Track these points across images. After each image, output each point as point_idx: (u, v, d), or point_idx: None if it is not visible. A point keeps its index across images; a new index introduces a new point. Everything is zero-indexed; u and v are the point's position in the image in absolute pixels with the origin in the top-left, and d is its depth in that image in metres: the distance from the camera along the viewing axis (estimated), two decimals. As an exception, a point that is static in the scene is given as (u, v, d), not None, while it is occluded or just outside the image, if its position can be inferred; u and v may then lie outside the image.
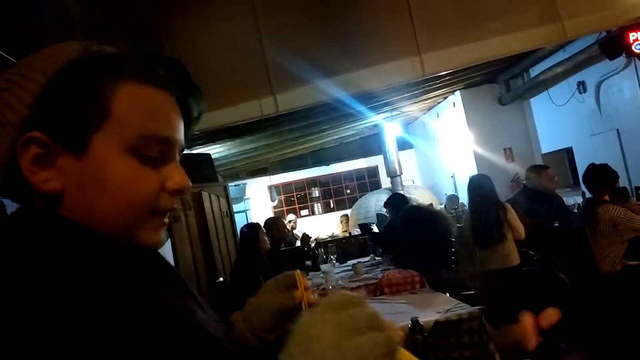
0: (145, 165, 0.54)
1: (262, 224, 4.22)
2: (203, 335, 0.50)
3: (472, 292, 3.33)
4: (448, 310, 2.34)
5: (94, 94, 0.53)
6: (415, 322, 1.05)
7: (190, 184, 0.58)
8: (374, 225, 7.03)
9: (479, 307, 2.26)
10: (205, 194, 4.92)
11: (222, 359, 0.51)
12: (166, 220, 0.57)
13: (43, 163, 0.52)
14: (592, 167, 3.59)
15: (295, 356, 0.43)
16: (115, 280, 0.46)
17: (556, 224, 4.11)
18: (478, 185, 3.79)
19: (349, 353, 0.42)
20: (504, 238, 3.53)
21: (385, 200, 4.97)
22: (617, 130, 5.99)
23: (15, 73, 0.54)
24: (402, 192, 8.37)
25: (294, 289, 0.74)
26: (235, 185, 10.34)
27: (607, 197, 3.37)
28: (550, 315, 0.65)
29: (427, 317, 2.08)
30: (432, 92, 7.55)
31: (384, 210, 5.44)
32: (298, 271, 0.76)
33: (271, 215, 10.80)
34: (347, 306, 0.45)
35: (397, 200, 4.73)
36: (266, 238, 3.98)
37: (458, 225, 4.70)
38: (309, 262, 4.91)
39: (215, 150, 6.70)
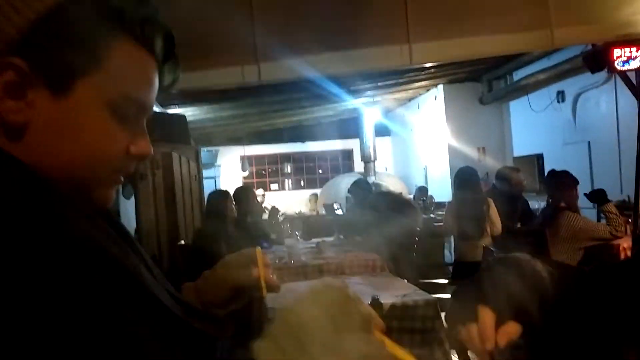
0: (118, 125, 0.53)
1: (231, 193, 4.19)
2: (144, 294, 0.48)
3: (431, 281, 3.40)
4: (405, 295, 2.39)
5: (91, 39, 0.51)
6: (375, 300, 1.06)
7: (152, 151, 0.58)
8: (339, 207, 7.07)
9: (438, 295, 2.31)
10: (175, 155, 4.83)
11: (161, 320, 0.49)
12: (120, 180, 0.57)
13: (15, 93, 0.49)
14: (552, 172, 3.68)
15: (281, 339, 0.44)
16: (57, 232, 0.43)
17: (518, 225, 4.22)
18: (466, 178, 3.88)
19: (342, 350, 0.43)
20: (485, 232, 3.66)
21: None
22: (589, 142, 6.15)
23: None
24: (373, 178, 8.44)
25: (253, 266, 0.73)
26: (207, 151, 10.21)
27: (563, 204, 3.45)
28: (510, 331, 0.61)
29: (385, 299, 2.11)
30: (416, 82, 7.58)
31: (348, 195, 5.49)
32: (259, 248, 0.75)
33: (241, 185, 10.74)
34: (344, 301, 0.46)
35: (360, 187, 4.78)
36: (233, 206, 3.96)
37: (424, 216, 4.78)
38: (274, 236, 4.91)
39: (190, 113, 6.58)
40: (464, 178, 3.90)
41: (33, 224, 0.43)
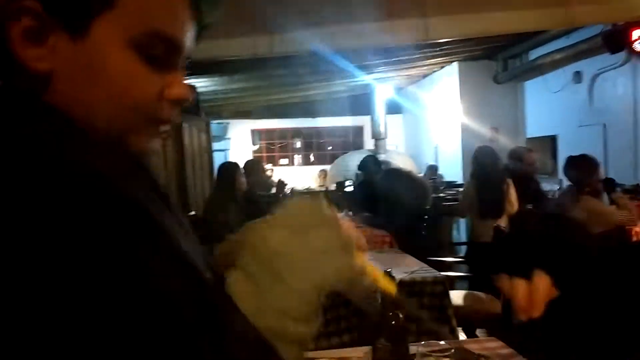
0: (147, 66, 0.48)
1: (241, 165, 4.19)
2: (176, 253, 0.44)
3: (440, 259, 3.41)
4: (414, 272, 2.39)
5: None
6: (387, 272, 1.06)
7: (191, 96, 0.52)
8: (350, 183, 7.07)
9: (446, 273, 2.31)
10: (185, 126, 4.83)
11: (199, 291, 0.45)
12: (161, 130, 0.52)
13: (35, 38, 0.46)
14: (573, 158, 3.63)
15: (250, 266, 0.41)
16: (98, 186, 0.40)
17: (529, 207, 4.19)
18: (485, 156, 3.86)
19: (322, 275, 0.41)
20: (504, 212, 3.66)
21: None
22: (604, 124, 6.05)
23: None
24: (383, 155, 8.39)
25: None
26: (218, 123, 10.19)
27: (588, 189, 3.42)
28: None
29: (392, 274, 2.12)
30: (430, 59, 7.46)
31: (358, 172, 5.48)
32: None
33: (250, 158, 10.75)
34: (319, 223, 0.43)
35: (370, 164, 4.77)
36: (243, 179, 3.96)
37: (434, 194, 4.77)
38: (282, 210, 4.93)
39: (201, 84, 6.54)
40: (484, 157, 3.88)
41: (71, 176, 0.40)
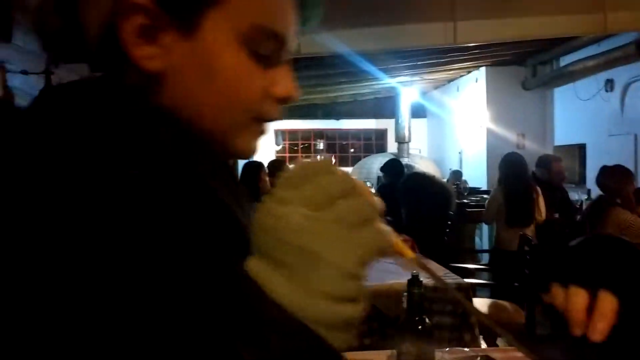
0: (255, 62, 0.47)
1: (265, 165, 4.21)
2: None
3: (463, 266, 3.36)
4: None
5: None
6: (415, 276, 1.04)
7: (298, 94, 0.51)
8: (372, 185, 7.03)
9: (468, 280, 2.28)
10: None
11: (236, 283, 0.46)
12: (263, 129, 0.51)
13: (147, 37, 0.45)
14: (608, 168, 3.55)
15: (286, 254, 0.36)
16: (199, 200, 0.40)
17: (557, 216, 4.11)
18: (515, 163, 3.83)
19: (362, 246, 0.37)
20: (534, 220, 3.62)
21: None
22: (635, 135, 5.90)
23: None
24: (406, 159, 8.34)
25: None
26: (242, 124, 10.26)
27: (619, 200, 3.35)
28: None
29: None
30: (457, 63, 7.39)
31: (381, 174, 5.44)
32: None
33: (274, 158, 10.80)
34: (342, 194, 0.38)
35: (394, 167, 4.73)
36: (267, 179, 3.97)
37: (457, 200, 4.71)
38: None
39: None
40: (513, 164, 3.84)
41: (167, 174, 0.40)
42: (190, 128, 0.46)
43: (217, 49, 0.45)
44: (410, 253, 0.42)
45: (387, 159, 9.15)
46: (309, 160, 0.40)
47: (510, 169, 3.83)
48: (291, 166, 0.41)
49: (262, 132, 0.51)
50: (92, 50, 0.48)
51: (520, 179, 3.74)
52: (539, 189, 3.75)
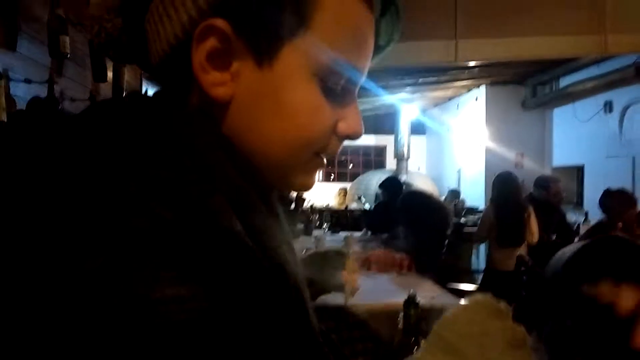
0: (327, 98, 0.44)
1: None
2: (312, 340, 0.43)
3: (459, 286, 3.34)
4: (433, 297, 2.34)
5: None
6: (412, 296, 1.03)
7: (363, 129, 0.48)
8: (367, 203, 7.02)
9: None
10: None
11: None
12: (323, 163, 0.48)
13: (219, 61, 0.42)
14: (611, 191, 3.55)
15: (438, 354, 0.44)
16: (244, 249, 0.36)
17: (554, 237, 4.10)
18: (506, 182, 3.81)
19: None
20: (524, 241, 3.59)
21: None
22: (634, 157, 5.91)
23: None
24: (405, 176, 8.34)
25: (340, 267, 0.75)
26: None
27: (621, 223, 3.35)
28: None
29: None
30: (458, 81, 7.43)
31: (379, 190, 5.44)
32: (351, 254, 0.78)
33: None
34: (497, 316, 0.47)
35: (392, 184, 4.72)
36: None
37: (455, 219, 4.70)
38: (301, 226, 4.91)
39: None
40: (505, 183, 3.83)
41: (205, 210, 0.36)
42: (249, 161, 0.44)
43: (290, 83, 0.43)
44: None
45: (386, 175, 9.14)
46: (482, 298, 0.49)
47: (502, 188, 3.83)
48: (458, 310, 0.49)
49: (321, 166, 0.49)
50: (154, 63, 0.46)
51: (511, 198, 3.73)
52: (531, 209, 3.72)
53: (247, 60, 0.43)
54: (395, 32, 0.49)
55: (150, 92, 0.48)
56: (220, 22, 0.41)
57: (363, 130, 0.48)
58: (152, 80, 0.49)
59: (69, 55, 2.08)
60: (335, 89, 0.44)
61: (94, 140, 0.38)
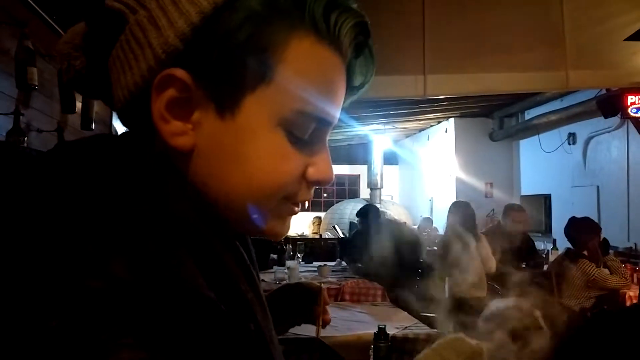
0: (293, 146, 0.43)
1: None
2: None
3: (432, 315, 3.34)
4: (406, 327, 2.34)
5: (262, 43, 0.41)
6: (382, 329, 1.03)
7: (333, 175, 0.47)
8: (342, 232, 7.02)
9: (438, 330, 2.27)
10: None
11: None
12: (296, 209, 0.47)
13: (179, 111, 0.41)
14: (575, 220, 3.64)
15: None
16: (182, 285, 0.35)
17: (523, 265, 4.16)
18: (458, 211, 3.86)
19: None
20: (468, 267, 3.60)
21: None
22: (598, 186, 6.11)
23: None
24: (379, 205, 8.40)
25: (311, 300, 0.76)
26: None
27: (586, 252, 3.43)
28: None
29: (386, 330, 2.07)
30: (427, 114, 7.61)
31: (357, 219, 5.44)
32: (323, 287, 0.78)
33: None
34: (473, 352, 0.53)
35: (370, 212, 4.73)
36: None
37: (428, 248, 4.73)
38: (274, 256, 4.87)
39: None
40: (457, 211, 3.91)
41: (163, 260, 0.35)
42: (215, 209, 0.43)
43: (252, 134, 0.42)
44: None
45: (359, 204, 9.17)
46: (461, 336, 0.56)
47: (452, 217, 3.93)
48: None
49: (293, 212, 0.47)
50: (117, 106, 0.45)
51: (458, 226, 3.80)
52: (481, 236, 3.75)
53: (209, 111, 0.42)
54: (369, 74, 0.48)
55: (120, 131, 0.47)
56: (179, 72, 0.40)
57: (333, 176, 0.47)
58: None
59: (36, 87, 2.06)
60: (303, 137, 0.43)
61: (55, 191, 0.37)
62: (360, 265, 4.37)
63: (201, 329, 0.34)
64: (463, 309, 3.48)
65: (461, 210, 3.89)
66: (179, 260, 0.36)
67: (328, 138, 0.47)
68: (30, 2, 2.14)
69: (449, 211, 3.96)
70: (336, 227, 7.65)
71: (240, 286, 0.42)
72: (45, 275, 0.31)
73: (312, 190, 0.47)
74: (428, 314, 3.35)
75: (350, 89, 0.47)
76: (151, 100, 0.41)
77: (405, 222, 7.46)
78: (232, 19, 0.40)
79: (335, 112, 0.45)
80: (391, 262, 3.81)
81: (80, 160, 0.40)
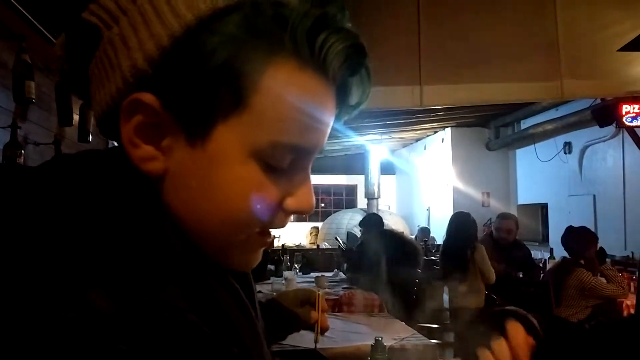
0: (269, 176, 0.41)
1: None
2: None
3: (430, 325, 3.34)
4: (404, 338, 2.33)
5: (236, 71, 0.38)
6: (379, 342, 1.03)
7: (314, 204, 0.44)
8: (342, 242, 7.00)
9: (436, 341, 2.26)
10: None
11: None
12: (268, 240, 0.44)
13: (148, 135, 0.40)
14: (572, 229, 3.65)
15: None
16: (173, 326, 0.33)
17: (520, 275, 4.15)
18: (459, 222, 3.88)
19: None
20: (467, 278, 3.61)
21: (359, 219, 4.95)
22: (594, 195, 6.13)
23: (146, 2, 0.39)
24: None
25: (309, 306, 0.75)
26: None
27: (582, 261, 3.43)
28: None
29: (383, 342, 2.07)
30: (424, 124, 7.64)
31: (355, 229, 5.42)
32: (321, 292, 0.79)
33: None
34: None
35: (373, 222, 4.69)
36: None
37: (425, 258, 4.74)
38: (271, 267, 4.85)
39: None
40: (458, 222, 3.94)
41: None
42: (185, 235, 0.41)
43: (223, 164, 0.40)
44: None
45: (357, 214, 9.15)
46: None
47: (452, 228, 3.96)
48: None
49: (266, 244, 0.45)
50: (96, 119, 0.44)
51: (458, 237, 3.82)
52: (480, 246, 3.76)
53: (179, 137, 0.40)
54: (365, 93, 0.45)
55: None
56: (147, 97, 0.39)
57: (314, 204, 0.44)
58: None
59: (34, 100, 2.07)
60: (281, 166, 0.41)
61: (35, 214, 0.36)
62: (363, 275, 4.36)
63: (183, 353, 0.32)
64: (462, 319, 3.49)
65: (462, 220, 3.91)
66: (159, 285, 0.35)
67: (310, 165, 0.45)
68: (28, 15, 2.16)
69: (450, 221, 3.97)
70: (338, 238, 7.64)
71: (226, 309, 0.41)
72: (22, 305, 0.31)
73: (290, 218, 0.45)
74: (426, 325, 3.35)
75: (346, 107, 0.46)
76: (120, 124, 0.40)
77: (402, 232, 7.46)
78: (206, 43, 0.38)
79: (318, 140, 0.43)
80: (392, 272, 3.80)
81: (61, 182, 0.39)
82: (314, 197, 0.44)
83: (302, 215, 0.47)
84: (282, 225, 0.44)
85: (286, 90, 0.39)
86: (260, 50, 0.38)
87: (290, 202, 0.43)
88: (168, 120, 0.39)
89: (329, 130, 0.44)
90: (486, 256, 3.67)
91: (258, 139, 0.39)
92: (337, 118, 0.46)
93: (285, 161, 0.41)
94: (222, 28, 0.38)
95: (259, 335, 0.46)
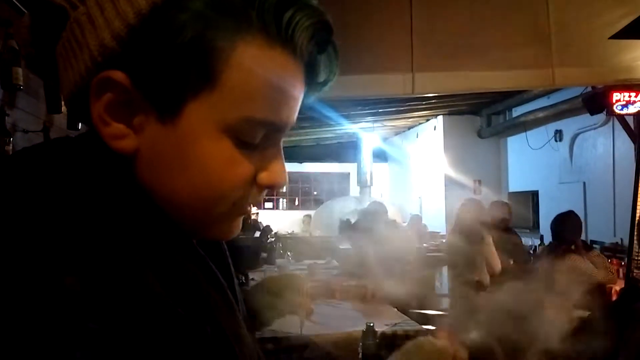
0: (241, 151, 0.42)
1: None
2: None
3: (422, 311, 3.37)
4: (396, 324, 2.36)
5: (206, 47, 0.38)
6: (370, 327, 1.05)
7: (287, 178, 0.46)
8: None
9: (427, 326, 2.29)
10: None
11: None
12: (248, 209, 0.46)
13: (119, 113, 0.40)
14: (562, 216, 3.67)
15: None
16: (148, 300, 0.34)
17: (511, 262, 4.19)
18: (468, 209, 3.89)
19: None
20: (473, 267, 3.64)
21: (352, 207, 4.95)
22: (584, 182, 6.18)
23: None
24: (368, 203, 8.42)
25: (295, 291, 0.77)
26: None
27: (573, 247, 3.47)
28: None
29: (376, 328, 2.08)
30: (416, 111, 7.64)
31: (346, 217, 5.42)
32: (306, 277, 0.79)
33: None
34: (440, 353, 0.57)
35: (376, 210, 4.59)
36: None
37: (417, 245, 4.76)
38: (264, 255, 4.87)
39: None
40: (462, 211, 3.93)
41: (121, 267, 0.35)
42: (161, 210, 0.42)
43: (195, 140, 0.40)
44: None
45: (349, 202, 9.16)
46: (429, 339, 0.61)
47: (461, 217, 3.95)
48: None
49: (243, 213, 0.46)
50: (66, 102, 0.44)
51: (466, 227, 3.82)
52: (488, 237, 3.75)
53: (150, 115, 0.40)
54: (333, 70, 0.46)
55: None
56: (117, 75, 0.39)
57: (286, 179, 0.45)
58: None
59: (21, 87, 2.04)
60: (252, 142, 0.42)
61: (8, 202, 0.36)
62: (350, 262, 4.38)
63: (153, 329, 0.33)
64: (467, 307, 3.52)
65: (471, 208, 3.92)
66: (131, 266, 0.35)
67: (282, 140, 0.46)
68: (15, 1, 2.12)
69: (458, 209, 3.98)
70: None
71: (198, 288, 0.41)
72: None
73: (264, 193, 0.46)
74: (417, 311, 3.37)
75: (315, 85, 0.46)
76: (90, 102, 0.40)
77: (395, 220, 7.49)
78: (174, 20, 0.38)
79: (288, 116, 0.44)
80: (379, 258, 3.82)
81: (32, 169, 0.39)
82: (286, 172, 0.45)
83: (274, 191, 0.48)
84: (257, 201, 0.45)
85: (256, 66, 0.40)
86: (229, 26, 0.39)
87: (263, 177, 0.44)
88: (138, 98, 0.40)
89: (298, 107, 0.45)
90: (492, 247, 3.71)
91: (229, 115, 0.40)
92: (306, 95, 0.46)
93: (257, 137, 0.42)
94: (190, 4, 0.38)
95: (235, 312, 0.47)
